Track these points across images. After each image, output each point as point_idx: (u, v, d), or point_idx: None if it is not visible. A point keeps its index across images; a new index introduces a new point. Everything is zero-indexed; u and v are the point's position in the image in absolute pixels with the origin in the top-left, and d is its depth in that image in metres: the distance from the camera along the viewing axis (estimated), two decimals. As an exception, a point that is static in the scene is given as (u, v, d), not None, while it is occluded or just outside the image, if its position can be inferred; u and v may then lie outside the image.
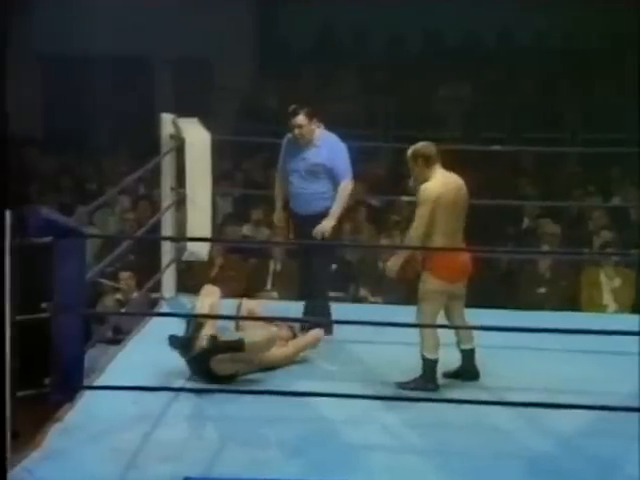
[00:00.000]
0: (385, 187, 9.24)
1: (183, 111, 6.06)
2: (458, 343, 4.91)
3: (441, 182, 4.81)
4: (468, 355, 4.89)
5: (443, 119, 12.00)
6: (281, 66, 12.29)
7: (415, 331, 4.83)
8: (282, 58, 12.41)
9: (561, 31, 12.32)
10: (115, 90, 12.12)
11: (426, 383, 4.76)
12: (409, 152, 4.84)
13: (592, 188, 9.33)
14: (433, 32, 12.69)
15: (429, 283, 4.77)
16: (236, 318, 5.12)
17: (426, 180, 4.80)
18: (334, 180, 5.39)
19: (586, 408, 4.26)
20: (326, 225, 5.34)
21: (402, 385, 4.78)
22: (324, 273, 5.50)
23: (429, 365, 4.78)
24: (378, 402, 4.57)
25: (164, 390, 4.54)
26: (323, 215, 5.37)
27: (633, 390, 4.67)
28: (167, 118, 5.88)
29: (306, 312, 5.45)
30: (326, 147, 5.38)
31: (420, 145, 4.84)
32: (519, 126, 11.19)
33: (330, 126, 5.51)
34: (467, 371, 4.90)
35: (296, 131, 5.34)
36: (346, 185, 5.39)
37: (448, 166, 4.98)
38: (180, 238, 6.12)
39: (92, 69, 11.93)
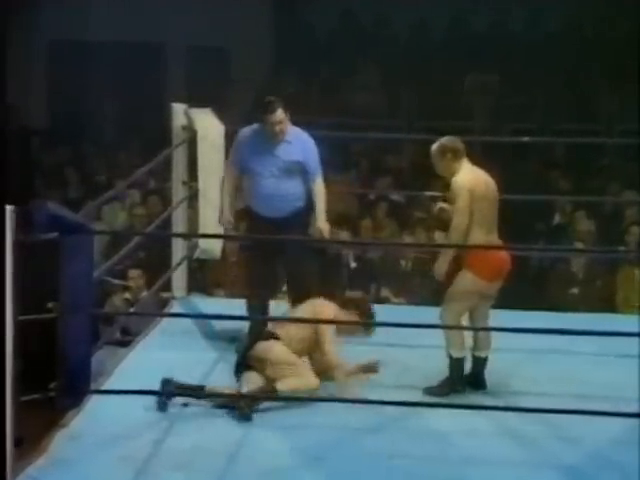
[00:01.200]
0: (408, 182, 9.22)
1: (196, 101, 6.06)
2: (473, 348, 4.88)
3: (471, 175, 4.80)
4: (481, 363, 4.86)
5: (469, 110, 11.97)
6: (299, 55, 12.28)
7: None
8: (300, 47, 12.40)
9: (595, 17, 12.27)
10: (126, 79, 12.14)
11: (454, 385, 4.76)
12: (435, 146, 4.83)
13: (629, 182, 9.27)
14: (459, 19, 12.66)
15: (467, 281, 4.75)
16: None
17: (454, 174, 4.78)
18: (305, 178, 5.26)
19: (619, 415, 4.24)
20: (324, 227, 5.24)
21: (430, 390, 4.77)
22: (312, 277, 5.40)
23: (456, 364, 4.77)
24: (406, 408, 4.54)
25: (175, 395, 4.53)
26: (294, 217, 5.25)
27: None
28: (179, 108, 5.88)
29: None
30: (298, 143, 5.26)
31: (447, 139, 4.84)
32: (550, 117, 11.15)
33: (352, 117, 5.47)
34: (477, 380, 4.86)
35: (277, 128, 5.17)
36: (321, 182, 5.29)
37: (475, 159, 4.97)
38: (193, 235, 6.12)
39: (102, 56, 11.95)
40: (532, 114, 11.35)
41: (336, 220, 8.44)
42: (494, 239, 4.80)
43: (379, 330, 4.85)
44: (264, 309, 5.37)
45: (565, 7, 12.13)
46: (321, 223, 5.25)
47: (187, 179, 5.94)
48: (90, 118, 11.76)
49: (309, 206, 5.28)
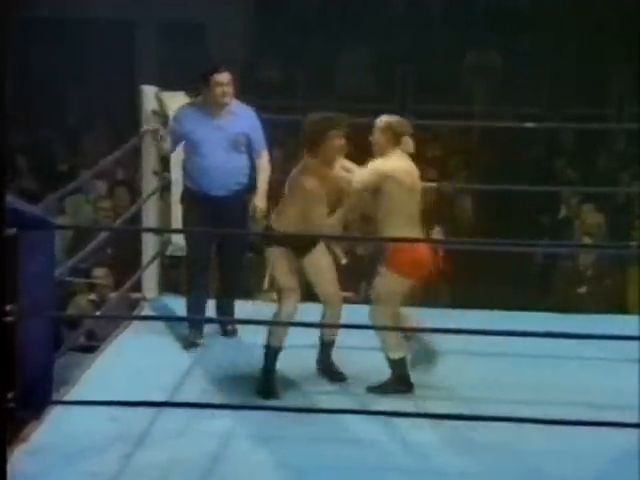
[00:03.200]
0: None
1: (169, 83, 6.04)
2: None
3: (396, 162, 4.89)
4: (399, 364, 4.92)
5: (469, 92, 12.00)
6: (282, 34, 12.27)
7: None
8: (284, 25, 12.39)
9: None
10: (92, 57, 12.10)
11: (397, 385, 4.89)
12: (380, 122, 4.91)
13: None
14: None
15: (391, 281, 4.87)
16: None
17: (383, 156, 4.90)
18: (251, 153, 5.44)
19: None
20: (261, 204, 5.41)
21: (372, 389, 4.91)
22: (241, 266, 5.68)
23: (397, 365, 4.89)
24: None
25: (145, 405, 4.53)
26: (236, 196, 5.42)
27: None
28: (149, 91, 5.86)
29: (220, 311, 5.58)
30: (243, 115, 5.44)
31: (396, 119, 4.92)
32: (557, 101, 11.18)
33: (341, 99, 5.54)
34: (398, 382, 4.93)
35: (224, 89, 5.33)
36: (266, 158, 5.48)
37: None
38: (165, 230, 6.11)
39: (66, 34, 11.90)
40: (537, 97, 11.37)
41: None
42: (415, 233, 4.89)
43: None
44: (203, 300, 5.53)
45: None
46: (259, 200, 5.42)
47: (158, 169, 5.93)
48: (51, 101, 11.70)
49: (252, 184, 5.46)
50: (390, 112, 5.09)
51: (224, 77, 5.36)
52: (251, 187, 5.47)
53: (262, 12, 12.78)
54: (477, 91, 12.15)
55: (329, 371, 5.08)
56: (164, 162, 5.92)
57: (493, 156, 9.71)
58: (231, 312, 5.63)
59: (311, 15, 12.84)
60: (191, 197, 5.48)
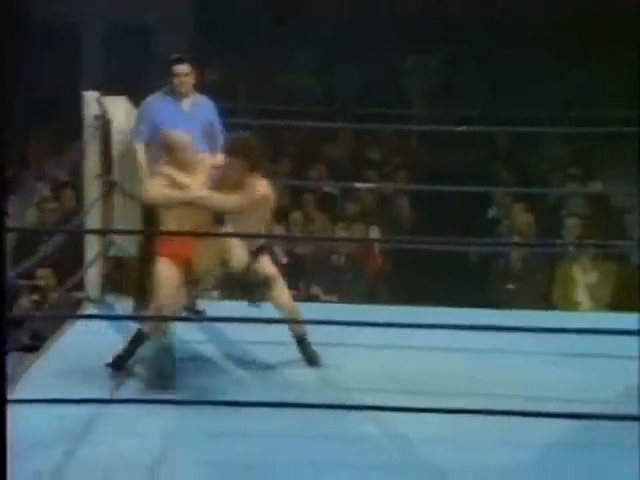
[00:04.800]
0: (344, 173, 9.30)
1: (113, 86, 6.05)
2: None
3: None
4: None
5: (408, 95, 12.08)
6: (227, 33, 12.26)
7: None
8: (229, 27, 12.39)
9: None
10: (37, 60, 11.99)
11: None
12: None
13: (574, 171, 9.45)
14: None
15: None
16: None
17: None
18: (212, 142, 5.51)
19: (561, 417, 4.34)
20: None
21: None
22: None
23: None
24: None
25: (88, 402, 4.54)
26: None
27: (612, 396, 4.80)
28: (91, 97, 5.87)
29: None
30: (207, 105, 5.58)
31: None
32: (494, 103, 11.29)
33: (283, 102, 5.61)
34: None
35: (183, 79, 5.47)
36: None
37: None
38: (109, 231, 6.10)
39: (6, 35, 11.77)
40: (475, 100, 11.48)
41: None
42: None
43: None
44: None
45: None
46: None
47: (101, 172, 5.94)
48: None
49: None
50: (332, 115, 5.14)
51: (183, 68, 5.52)
52: None
53: (206, 16, 12.78)
54: (417, 94, 12.24)
55: None
56: (107, 165, 5.92)
57: (431, 158, 9.81)
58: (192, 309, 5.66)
59: (255, 19, 12.86)
60: None
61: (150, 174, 5.36)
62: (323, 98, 12.03)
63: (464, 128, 7.73)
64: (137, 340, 5.07)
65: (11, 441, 4.15)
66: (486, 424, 4.33)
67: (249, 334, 5.31)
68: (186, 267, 4.94)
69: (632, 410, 4.47)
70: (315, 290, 7.78)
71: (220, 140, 5.53)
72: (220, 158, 5.13)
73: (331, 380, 5.06)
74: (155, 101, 5.57)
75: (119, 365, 5.06)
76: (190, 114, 5.52)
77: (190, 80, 5.53)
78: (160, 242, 4.98)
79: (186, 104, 5.55)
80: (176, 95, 5.53)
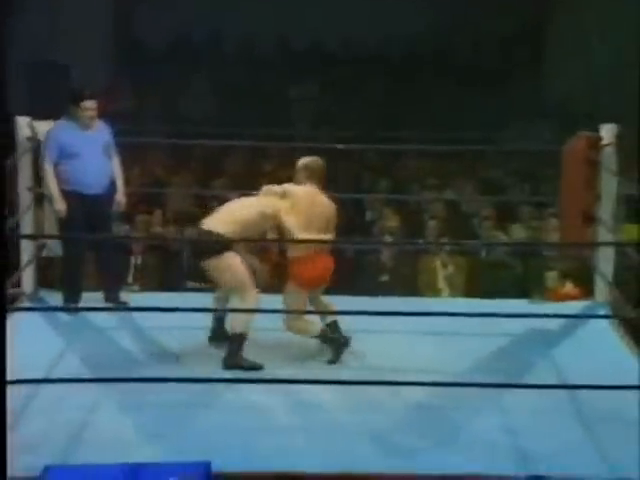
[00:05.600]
0: (244, 183, 9.29)
1: (40, 114, 5.98)
2: None
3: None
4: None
5: (292, 118, 12.15)
6: (137, 69, 12.16)
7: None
8: (138, 61, 12.28)
9: (403, 36, 12.65)
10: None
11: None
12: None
13: (433, 181, 9.60)
14: (282, 36, 12.83)
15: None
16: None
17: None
18: (109, 156, 5.72)
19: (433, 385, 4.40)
20: (123, 199, 5.74)
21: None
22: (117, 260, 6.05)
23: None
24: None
25: (25, 382, 4.42)
26: (106, 192, 5.67)
27: (466, 367, 4.90)
28: (23, 121, 5.83)
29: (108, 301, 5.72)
30: (104, 128, 5.73)
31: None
32: (367, 126, 11.41)
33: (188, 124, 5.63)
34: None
35: (91, 113, 5.62)
36: (118, 160, 5.76)
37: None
38: (44, 235, 5.99)
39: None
40: (349, 123, 11.58)
41: (179, 218, 8.50)
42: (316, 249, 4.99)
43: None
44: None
45: (379, 28, 12.48)
46: (120, 196, 5.74)
47: (32, 185, 5.86)
48: None
49: (113, 184, 5.72)
50: (228, 135, 5.17)
51: (90, 104, 5.63)
52: (112, 184, 5.72)
53: (120, 53, 12.65)
54: (299, 117, 12.31)
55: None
56: (37, 179, 5.84)
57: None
58: (117, 301, 5.72)
59: (163, 54, 12.77)
60: (68, 198, 5.59)
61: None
62: (221, 121, 12.01)
63: (342, 146, 7.80)
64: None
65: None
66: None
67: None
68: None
69: (477, 379, 4.61)
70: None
71: (113, 155, 5.71)
72: None
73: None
74: (61, 128, 5.65)
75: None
76: (93, 137, 5.64)
77: (95, 113, 5.66)
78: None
79: (89, 129, 5.65)
80: (82, 123, 5.63)
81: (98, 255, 5.86)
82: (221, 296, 5.14)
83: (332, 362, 4.97)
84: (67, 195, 5.59)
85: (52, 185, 5.59)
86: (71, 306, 5.64)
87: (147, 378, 4.55)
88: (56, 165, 5.60)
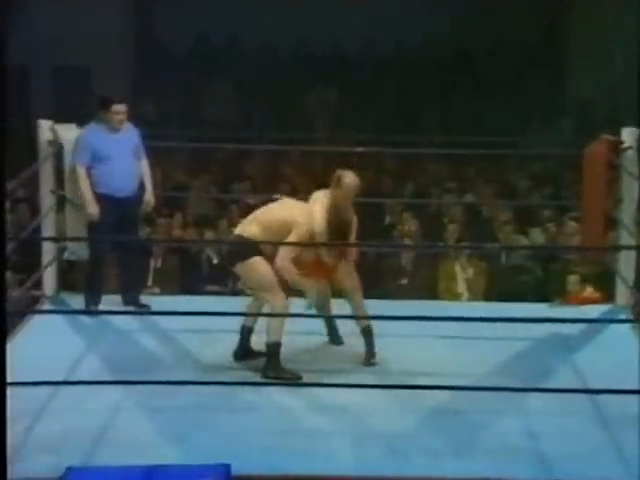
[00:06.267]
0: (261, 186, 9.32)
1: (61, 117, 6.01)
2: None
3: None
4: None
5: (312, 122, 12.15)
6: (158, 73, 12.20)
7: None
8: (159, 65, 12.32)
9: (423, 39, 12.64)
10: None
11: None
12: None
13: (452, 185, 9.58)
14: (302, 40, 12.84)
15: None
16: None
17: None
18: (138, 158, 5.72)
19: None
20: (152, 199, 5.73)
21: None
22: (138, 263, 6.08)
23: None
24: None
25: (46, 384, 4.45)
26: (135, 195, 5.67)
27: (486, 371, 4.88)
28: (45, 124, 5.83)
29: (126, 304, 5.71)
30: (132, 130, 5.72)
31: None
32: (384, 129, 11.40)
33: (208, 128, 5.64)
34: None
35: (121, 117, 5.61)
36: (146, 162, 5.76)
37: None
38: (66, 238, 6.02)
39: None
40: (367, 126, 11.58)
41: (197, 220, 8.53)
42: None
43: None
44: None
45: (397, 32, 12.49)
46: (149, 196, 5.72)
47: (54, 188, 5.87)
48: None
49: (141, 184, 5.72)
50: (248, 139, 5.15)
51: (120, 107, 5.63)
52: (141, 186, 5.72)
53: (140, 56, 12.69)
54: (318, 121, 12.32)
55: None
56: (59, 181, 5.86)
57: (334, 174, 9.82)
58: (137, 304, 5.71)
59: (183, 57, 12.81)
60: (99, 201, 5.59)
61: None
62: (241, 125, 12.05)
63: (361, 149, 7.79)
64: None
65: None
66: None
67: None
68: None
69: (497, 383, 4.60)
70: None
71: (142, 156, 5.70)
72: None
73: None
74: (92, 131, 5.64)
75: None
76: (123, 140, 5.63)
77: (125, 116, 5.64)
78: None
79: (119, 133, 5.64)
80: (112, 127, 5.62)
81: (120, 257, 5.86)
82: (253, 307, 5.07)
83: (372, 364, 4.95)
84: (98, 198, 5.59)
85: (85, 189, 5.57)
86: (92, 309, 5.62)
87: (164, 381, 4.56)
88: (88, 168, 5.59)
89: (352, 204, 5.03)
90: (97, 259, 5.70)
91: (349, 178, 4.96)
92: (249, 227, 4.89)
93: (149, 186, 5.73)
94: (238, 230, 4.96)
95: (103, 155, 5.58)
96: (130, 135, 5.68)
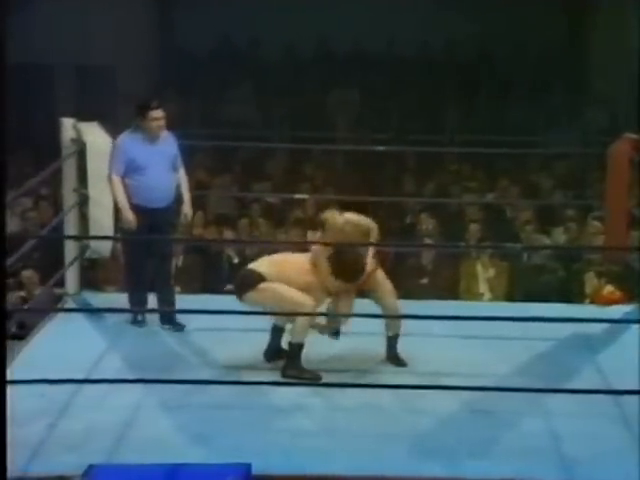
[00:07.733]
0: (282, 185, 9.31)
1: (85, 115, 5.99)
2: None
3: None
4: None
5: (334, 121, 12.12)
6: (181, 73, 12.22)
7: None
8: (182, 65, 12.34)
9: (443, 41, 12.60)
10: (17, 98, 11.79)
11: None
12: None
13: (473, 184, 9.53)
14: (323, 40, 12.82)
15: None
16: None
17: None
18: (175, 170, 5.52)
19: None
20: (189, 211, 5.55)
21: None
22: (171, 264, 5.80)
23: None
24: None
25: (68, 382, 4.44)
26: (170, 206, 5.48)
27: (508, 371, 4.84)
28: (68, 122, 5.81)
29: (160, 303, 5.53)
30: (171, 139, 5.50)
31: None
32: (404, 129, 11.36)
33: (229, 128, 5.57)
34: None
35: (159, 123, 5.38)
36: (184, 173, 5.57)
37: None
38: (88, 237, 6.02)
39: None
40: (388, 126, 11.54)
41: (218, 219, 8.54)
42: None
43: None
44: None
45: (419, 33, 12.45)
46: (187, 208, 5.53)
47: (77, 186, 5.87)
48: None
49: (178, 195, 5.52)
50: (270, 138, 5.10)
51: (159, 113, 5.39)
52: (177, 197, 5.54)
53: (164, 56, 12.72)
54: (339, 120, 12.29)
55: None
56: (82, 180, 5.86)
57: (354, 173, 9.82)
58: (173, 301, 5.56)
59: (204, 57, 12.82)
60: (133, 211, 5.38)
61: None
62: (263, 124, 12.04)
63: (381, 148, 7.75)
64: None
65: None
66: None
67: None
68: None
69: (520, 383, 4.54)
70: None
71: (179, 166, 5.51)
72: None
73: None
74: (128, 139, 5.43)
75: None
76: (160, 150, 5.40)
77: (163, 122, 5.40)
78: None
79: (157, 142, 5.42)
80: (149, 135, 5.40)
81: (151, 263, 5.61)
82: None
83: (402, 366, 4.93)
84: (131, 208, 5.39)
85: (121, 198, 5.36)
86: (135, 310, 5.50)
87: (185, 380, 4.55)
88: (122, 178, 5.39)
89: (350, 237, 4.89)
90: (135, 267, 5.50)
91: (332, 219, 4.90)
92: (260, 264, 4.87)
93: (187, 197, 5.51)
94: (250, 266, 4.91)
95: (138, 165, 5.34)
96: (168, 145, 5.44)
